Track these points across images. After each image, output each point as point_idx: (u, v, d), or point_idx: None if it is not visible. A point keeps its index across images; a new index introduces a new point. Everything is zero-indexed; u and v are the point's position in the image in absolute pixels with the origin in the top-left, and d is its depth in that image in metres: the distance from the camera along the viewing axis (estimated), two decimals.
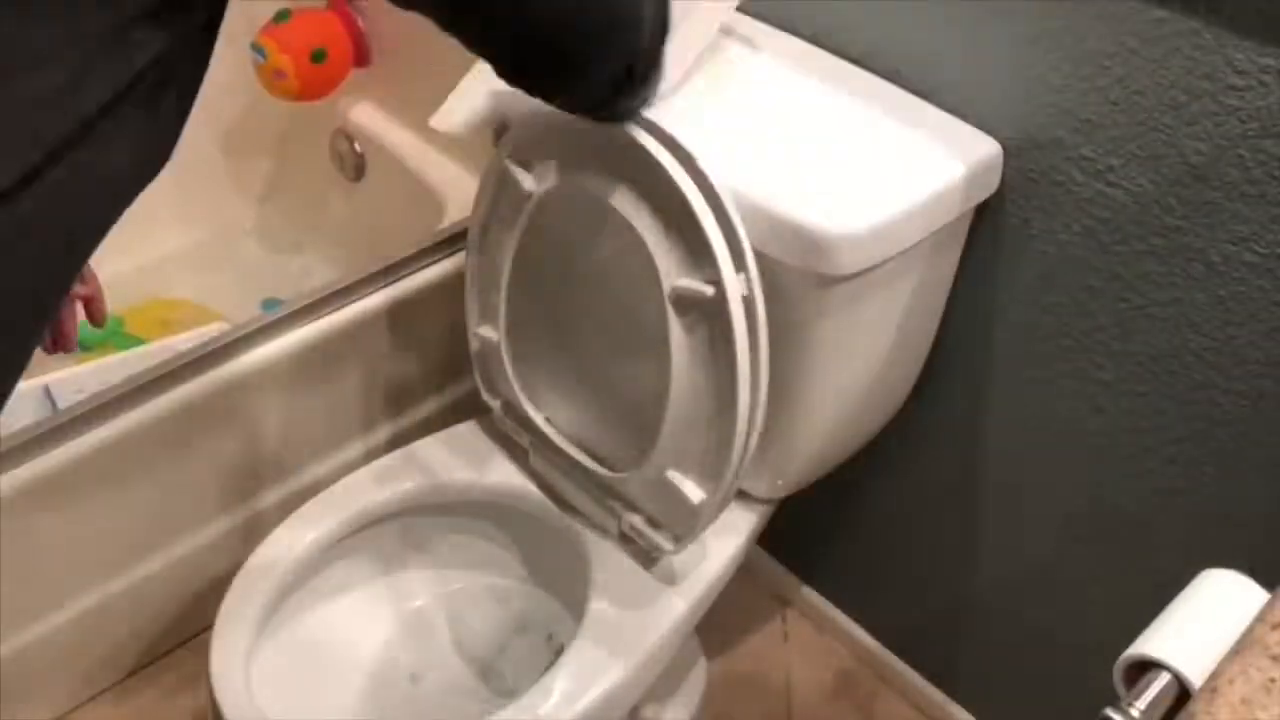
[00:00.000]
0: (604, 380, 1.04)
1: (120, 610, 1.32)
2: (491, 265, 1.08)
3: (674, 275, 0.90)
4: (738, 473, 0.95)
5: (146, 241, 1.83)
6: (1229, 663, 0.49)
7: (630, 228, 0.90)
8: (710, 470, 0.96)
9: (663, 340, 0.92)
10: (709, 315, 0.89)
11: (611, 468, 1.05)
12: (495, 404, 1.15)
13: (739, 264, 0.87)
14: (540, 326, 1.08)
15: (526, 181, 0.98)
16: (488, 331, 1.11)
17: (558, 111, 0.85)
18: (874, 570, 1.39)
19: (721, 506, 0.99)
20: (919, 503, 1.26)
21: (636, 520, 1.04)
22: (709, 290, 0.87)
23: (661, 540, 1.03)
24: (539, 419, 1.10)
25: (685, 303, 0.90)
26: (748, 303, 0.88)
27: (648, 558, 1.07)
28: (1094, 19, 0.86)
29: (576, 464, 1.07)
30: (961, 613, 1.29)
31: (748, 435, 0.93)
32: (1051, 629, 1.19)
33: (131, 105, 0.57)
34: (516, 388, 1.10)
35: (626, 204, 0.91)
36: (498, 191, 1.04)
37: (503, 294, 1.07)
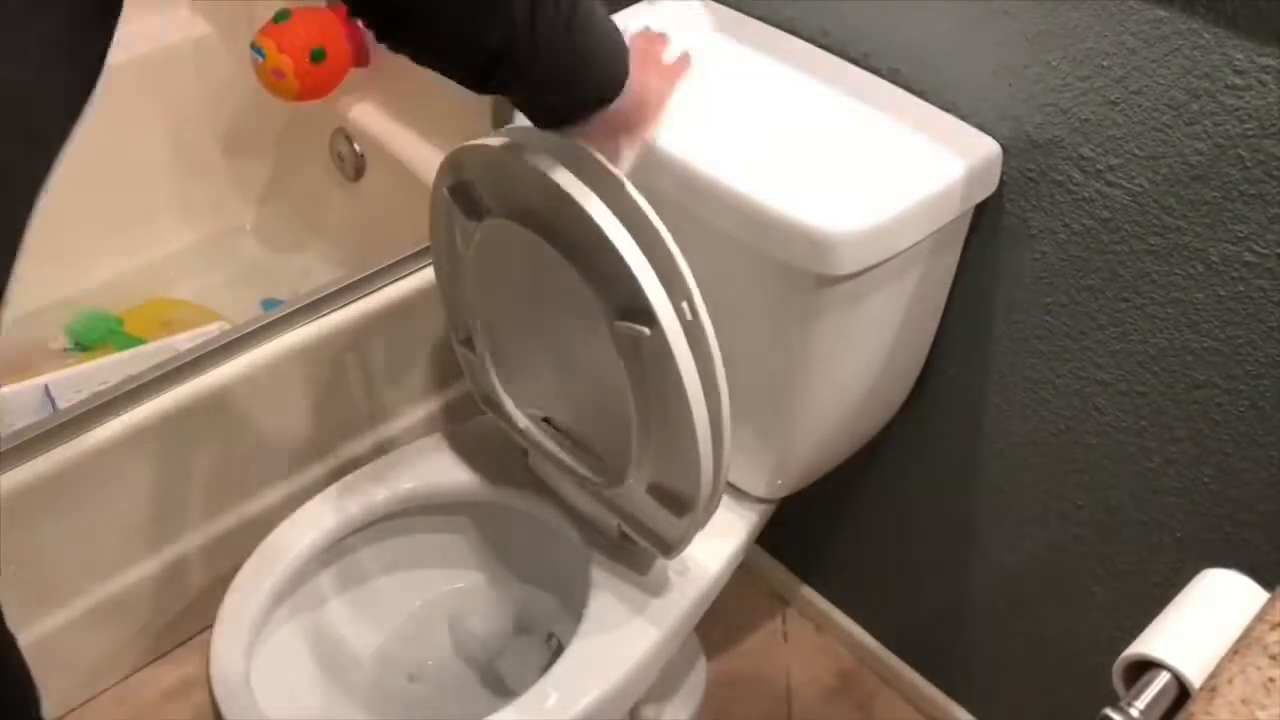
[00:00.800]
0: (582, 397, 1.03)
1: (120, 610, 1.32)
2: (458, 286, 1.05)
3: (612, 315, 0.86)
4: (712, 491, 0.92)
5: (146, 241, 1.83)
6: (1228, 662, 0.49)
7: (566, 267, 0.87)
8: (686, 488, 0.93)
9: (619, 371, 0.89)
10: (653, 349, 0.85)
11: (602, 477, 1.04)
12: (489, 412, 1.15)
13: (679, 291, 0.83)
14: (518, 342, 1.06)
15: (470, 215, 0.95)
16: (466, 349, 1.10)
17: (494, 144, 0.84)
18: (874, 570, 1.39)
19: (703, 522, 0.96)
20: (919, 502, 1.26)
21: (629, 529, 1.04)
22: (646, 331, 0.83)
23: (652, 547, 1.03)
24: (532, 429, 1.09)
25: (626, 341, 0.86)
26: (691, 328, 0.84)
27: (646, 558, 1.07)
28: (1094, 19, 0.86)
29: (571, 470, 1.07)
30: (961, 613, 1.29)
31: (714, 455, 0.90)
32: (1052, 629, 1.19)
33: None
34: (505, 400, 1.09)
35: (560, 243, 0.87)
36: (448, 220, 1.00)
37: (477, 314, 1.04)
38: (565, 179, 0.82)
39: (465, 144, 0.91)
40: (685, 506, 0.94)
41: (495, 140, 0.88)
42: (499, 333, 1.06)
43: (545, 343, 1.03)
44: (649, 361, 0.86)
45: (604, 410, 1.01)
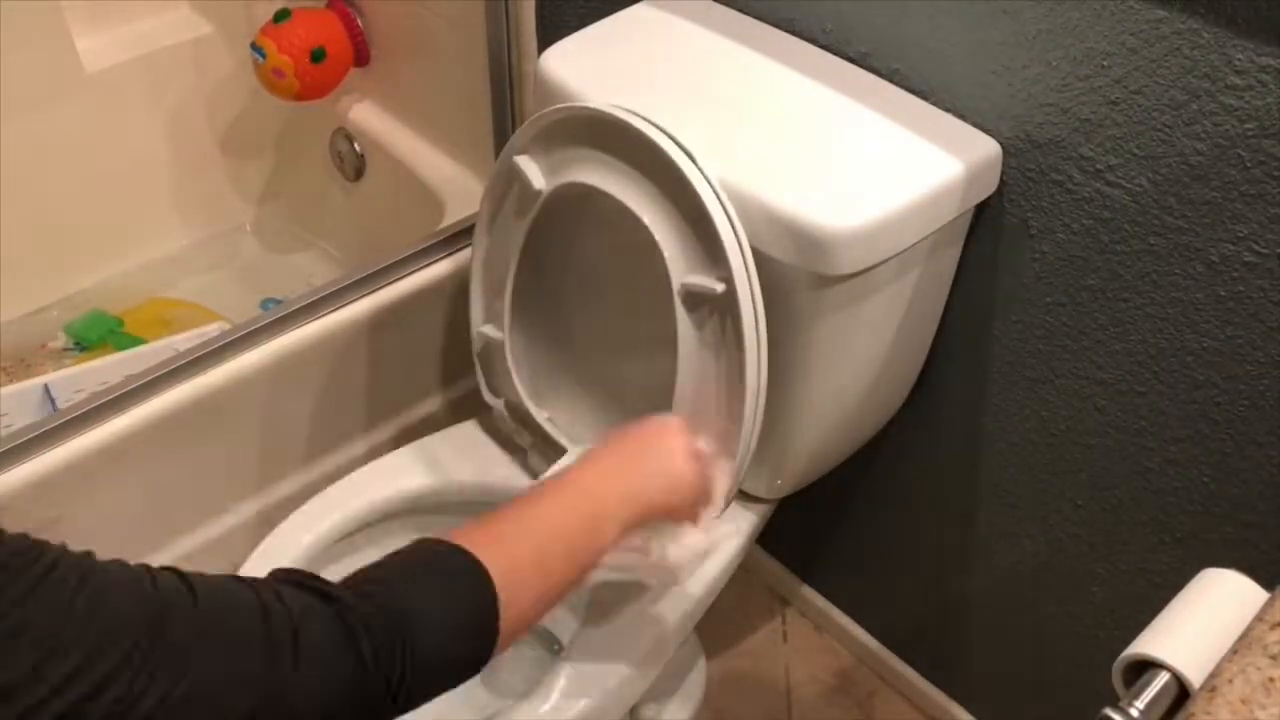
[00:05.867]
0: (608, 377, 1.04)
1: None
2: (497, 264, 1.08)
3: (684, 272, 0.91)
4: (742, 466, 0.95)
5: (147, 241, 1.83)
6: (1228, 662, 0.49)
7: (641, 224, 0.92)
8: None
9: (670, 336, 0.93)
10: (718, 311, 0.91)
11: None
12: (497, 404, 1.15)
13: (743, 261, 0.89)
14: (545, 325, 1.08)
15: (536, 179, 0.99)
16: (491, 331, 1.11)
17: (569, 109, 0.88)
18: (874, 570, 1.39)
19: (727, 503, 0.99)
20: (918, 502, 1.26)
21: None
22: (719, 287, 0.89)
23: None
24: (541, 418, 1.10)
25: (695, 299, 0.91)
26: (753, 297, 0.90)
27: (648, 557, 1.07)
28: (1093, 19, 0.86)
29: None
30: (961, 613, 1.29)
31: (753, 426, 0.93)
32: (1051, 629, 1.19)
33: None
34: (519, 387, 1.10)
35: (637, 201, 0.92)
36: (506, 189, 1.05)
37: (507, 293, 1.07)
38: (656, 135, 0.89)
39: (550, 110, 0.96)
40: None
41: (580, 105, 0.94)
42: (528, 319, 1.08)
43: (580, 325, 1.05)
44: (709, 323, 0.91)
45: (628, 397, 1.02)
